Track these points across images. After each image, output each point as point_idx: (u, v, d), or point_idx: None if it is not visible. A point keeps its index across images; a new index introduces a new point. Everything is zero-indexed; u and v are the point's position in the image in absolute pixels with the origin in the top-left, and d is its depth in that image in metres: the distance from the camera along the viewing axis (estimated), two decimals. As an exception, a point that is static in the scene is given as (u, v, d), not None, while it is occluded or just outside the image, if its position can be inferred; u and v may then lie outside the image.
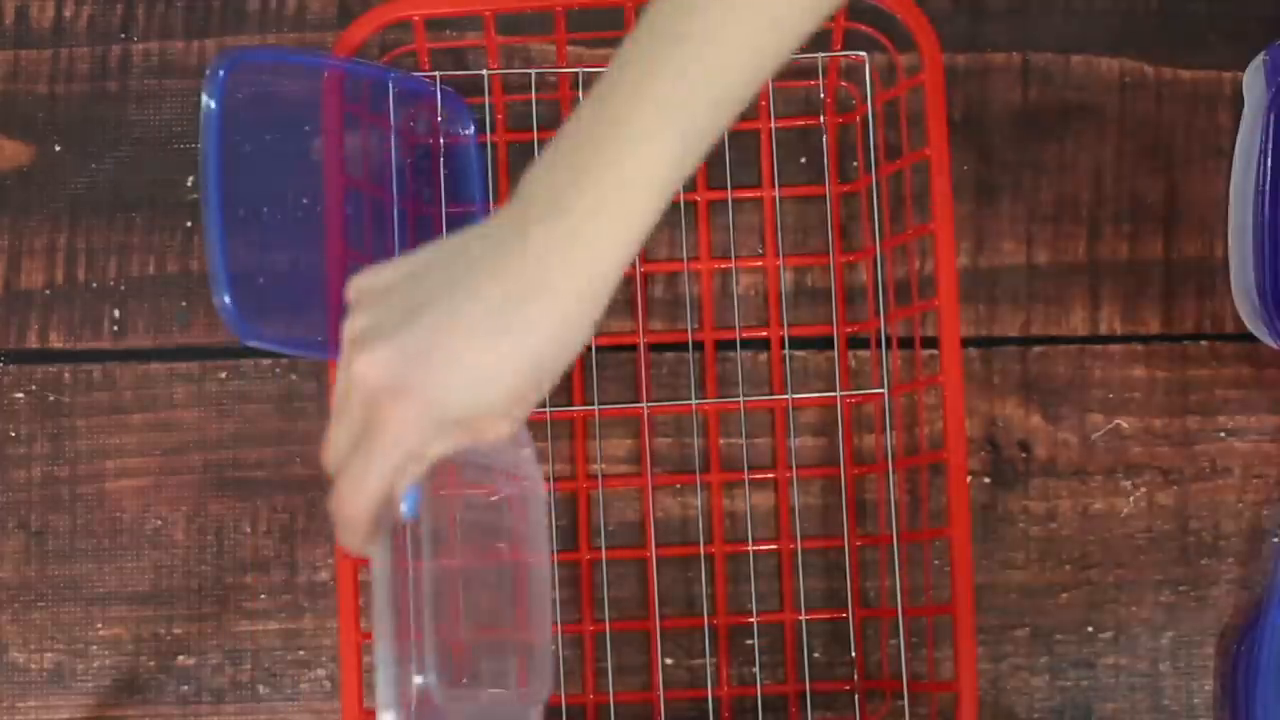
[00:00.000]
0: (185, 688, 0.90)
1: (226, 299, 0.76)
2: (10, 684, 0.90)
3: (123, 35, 0.95)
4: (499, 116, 0.92)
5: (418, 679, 0.68)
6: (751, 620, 0.90)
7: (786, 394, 0.91)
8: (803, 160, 0.93)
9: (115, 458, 0.91)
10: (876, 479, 0.90)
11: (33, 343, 0.93)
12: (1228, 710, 0.87)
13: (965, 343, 0.91)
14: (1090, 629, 0.90)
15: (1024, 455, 0.91)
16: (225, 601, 0.90)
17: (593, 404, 0.90)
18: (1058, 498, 0.91)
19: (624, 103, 0.64)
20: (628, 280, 0.91)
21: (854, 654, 0.89)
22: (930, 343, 0.88)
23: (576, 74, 0.91)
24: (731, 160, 0.91)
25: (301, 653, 0.90)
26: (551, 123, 0.91)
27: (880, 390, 0.90)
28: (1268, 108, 0.87)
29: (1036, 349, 0.92)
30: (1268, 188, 0.86)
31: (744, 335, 0.92)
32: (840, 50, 0.91)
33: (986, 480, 0.91)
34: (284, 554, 0.91)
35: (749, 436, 0.91)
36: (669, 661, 0.90)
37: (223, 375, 0.92)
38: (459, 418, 0.64)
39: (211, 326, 0.92)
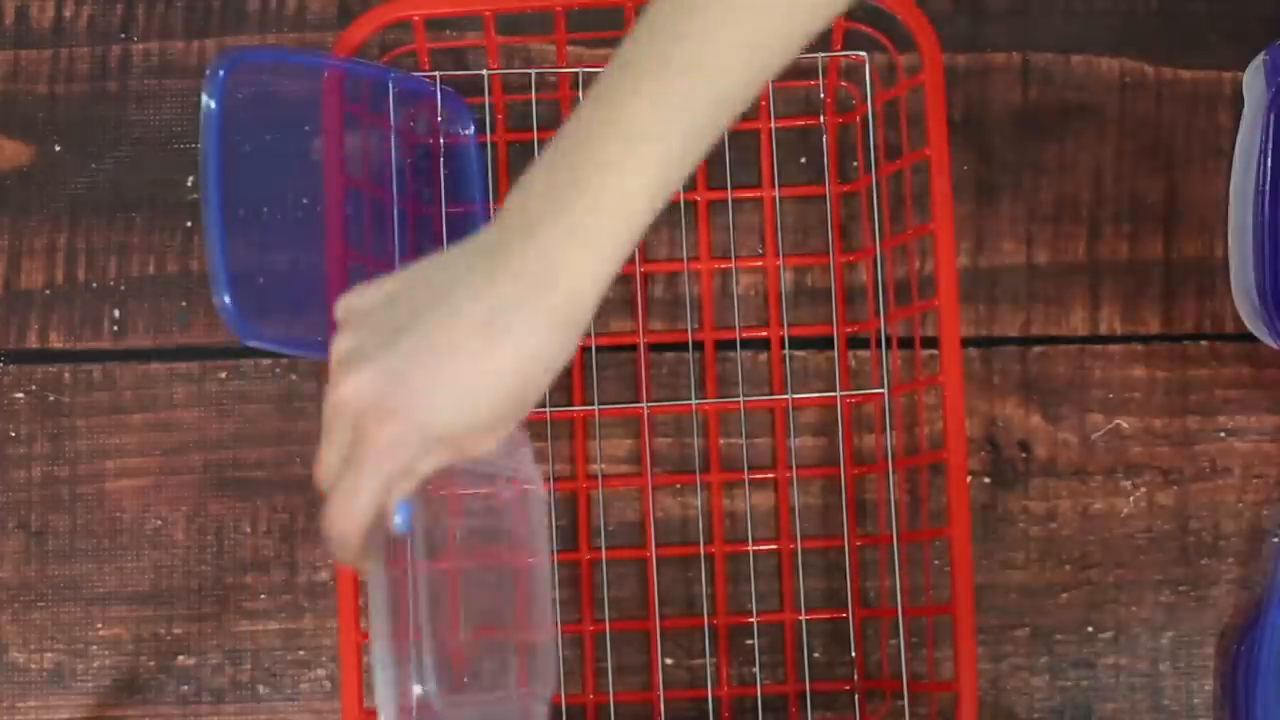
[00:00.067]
0: (185, 688, 0.90)
1: (226, 299, 0.76)
2: (10, 684, 0.90)
3: (123, 35, 0.95)
4: (499, 116, 0.92)
5: (417, 689, 0.68)
6: (751, 620, 0.90)
7: (786, 394, 0.91)
8: (803, 160, 0.93)
9: (115, 458, 0.91)
10: (876, 479, 0.90)
11: (33, 343, 0.93)
12: (1228, 710, 0.87)
13: (965, 343, 0.91)
14: (1090, 629, 0.90)
15: (1024, 455, 0.91)
16: (225, 601, 0.90)
17: (593, 404, 0.90)
18: (1058, 498, 0.91)
19: (623, 103, 0.64)
20: (628, 280, 0.91)
21: (854, 654, 0.89)
22: (930, 343, 0.88)
23: (576, 74, 0.91)
24: (731, 160, 0.91)
25: (301, 653, 0.90)
26: (551, 123, 0.91)
27: (880, 390, 0.90)
28: (1268, 108, 0.87)
29: (1036, 349, 0.92)
30: (1268, 188, 0.86)
31: (744, 335, 0.92)
32: (840, 50, 0.91)
33: (986, 480, 0.91)
34: (284, 554, 0.91)
35: (749, 436, 0.91)
36: (669, 661, 0.90)
37: (223, 375, 0.92)
38: (444, 435, 0.65)
39: (211, 326, 0.92)
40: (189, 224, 0.93)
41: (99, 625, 0.90)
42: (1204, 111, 0.94)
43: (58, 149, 0.94)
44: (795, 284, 0.92)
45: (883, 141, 0.91)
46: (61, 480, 0.91)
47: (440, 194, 0.89)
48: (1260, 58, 0.89)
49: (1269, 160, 0.86)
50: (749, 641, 0.90)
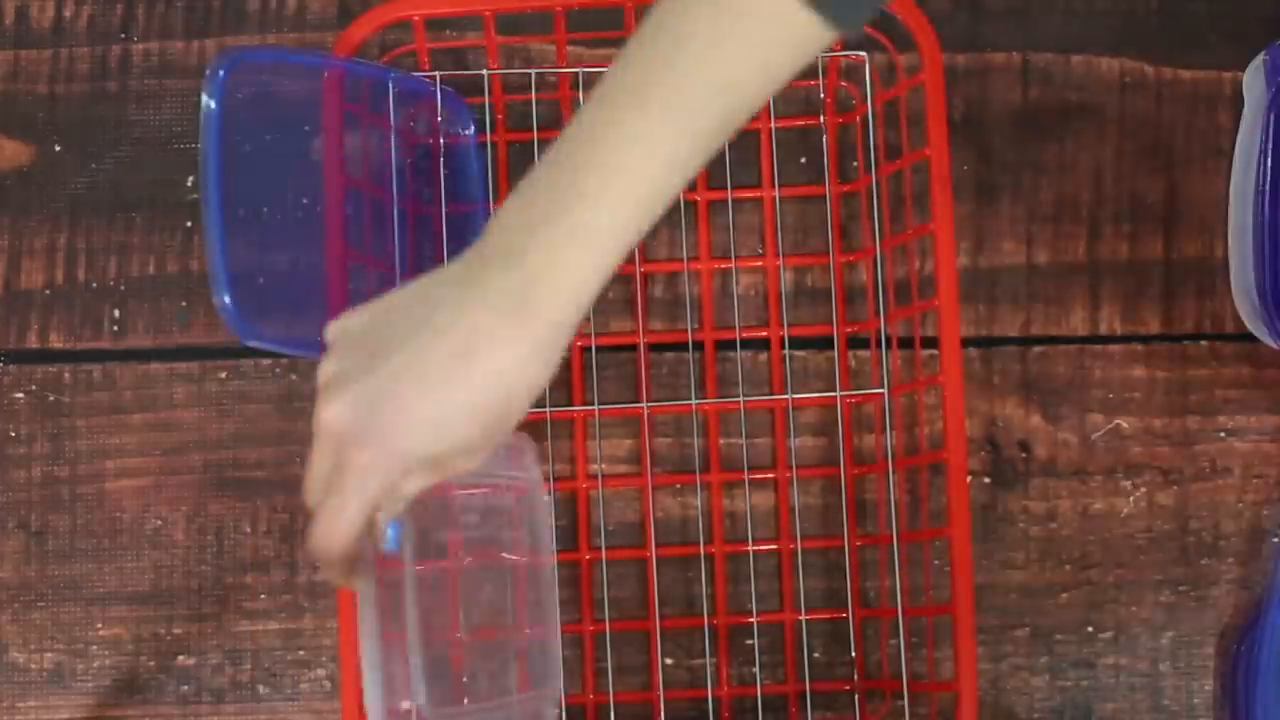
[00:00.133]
0: (185, 688, 0.90)
1: (226, 299, 0.76)
2: (10, 684, 0.90)
3: (123, 35, 0.95)
4: (499, 116, 0.92)
5: (405, 705, 0.69)
6: (751, 620, 0.90)
7: (786, 394, 0.91)
8: (803, 160, 0.93)
9: (115, 458, 0.91)
10: (876, 479, 0.90)
11: (33, 343, 0.93)
12: (1228, 710, 0.87)
13: (965, 343, 0.91)
14: (1090, 629, 0.90)
15: (1024, 455, 0.91)
16: (225, 601, 0.90)
17: (593, 404, 0.90)
18: (1058, 498, 0.91)
19: (603, 134, 0.64)
20: (628, 280, 0.91)
21: (854, 654, 0.89)
22: (930, 343, 0.88)
23: (576, 74, 0.91)
24: (731, 160, 0.91)
25: (301, 653, 0.90)
26: (551, 123, 0.91)
27: (880, 390, 0.90)
28: (1268, 108, 0.87)
29: (1036, 349, 0.92)
30: (1268, 188, 0.86)
31: (744, 335, 0.92)
32: (840, 50, 0.91)
33: (986, 480, 0.91)
34: (284, 554, 0.91)
35: (749, 436, 0.91)
36: (669, 661, 0.90)
37: (223, 375, 0.92)
38: (423, 459, 0.65)
39: (211, 326, 0.92)
40: (189, 224, 0.93)
41: (99, 625, 0.90)
42: (1204, 111, 0.94)
43: (58, 149, 0.94)
44: (795, 284, 0.92)
45: (883, 141, 0.91)
46: (61, 480, 0.91)
47: (440, 194, 0.89)
48: (1260, 58, 0.89)
49: (1269, 160, 0.86)
50: (749, 641, 0.90)
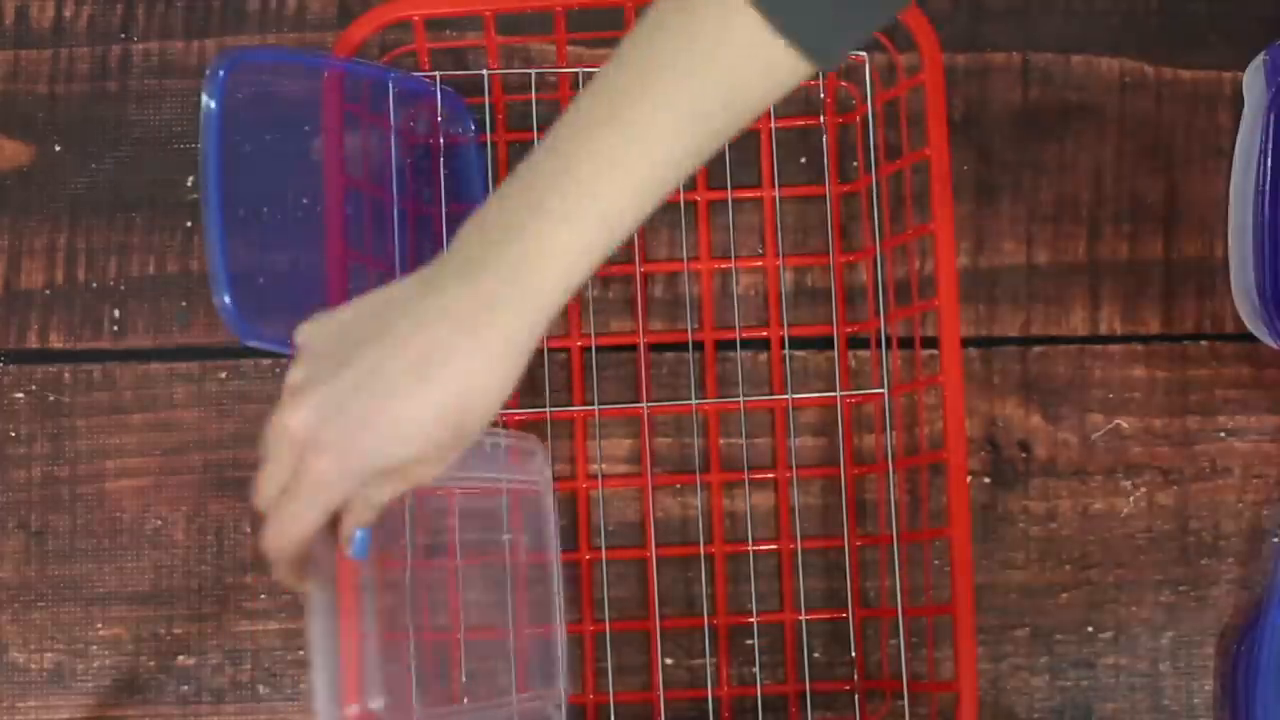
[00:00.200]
0: (185, 688, 0.90)
1: (226, 299, 0.76)
2: (10, 684, 0.90)
3: (123, 35, 0.95)
4: (499, 116, 0.92)
5: (354, 708, 0.69)
6: (751, 620, 0.90)
7: (786, 394, 0.91)
8: (803, 160, 0.93)
9: (115, 458, 0.91)
10: (876, 479, 0.90)
11: (33, 343, 0.93)
12: (1228, 710, 0.87)
13: (965, 343, 0.91)
14: (1090, 629, 0.90)
15: (1024, 455, 0.91)
16: (225, 601, 0.90)
17: (593, 404, 0.90)
18: (1058, 498, 0.91)
19: (572, 154, 0.64)
20: (628, 280, 0.91)
21: (854, 654, 0.89)
22: (930, 343, 0.88)
23: (576, 74, 0.91)
24: (731, 160, 0.91)
25: (301, 653, 0.90)
26: (551, 122, 0.90)
27: (880, 390, 0.90)
28: (1268, 108, 0.87)
29: (1036, 349, 0.92)
30: (1268, 188, 0.86)
31: (744, 335, 0.92)
32: (840, 50, 0.91)
33: (986, 480, 0.91)
34: (284, 554, 0.91)
35: (749, 436, 0.91)
36: (669, 661, 0.90)
37: (223, 375, 0.92)
38: (381, 469, 0.66)
39: (211, 326, 0.92)
40: (189, 224, 0.93)
41: (99, 625, 0.90)
42: (1204, 111, 0.94)
43: (58, 149, 0.94)
44: (795, 284, 0.92)
45: (883, 141, 0.90)
46: (61, 480, 0.91)
47: (440, 194, 0.89)
48: (1260, 58, 0.89)
49: (1269, 160, 0.86)
50: (749, 641, 0.90)
